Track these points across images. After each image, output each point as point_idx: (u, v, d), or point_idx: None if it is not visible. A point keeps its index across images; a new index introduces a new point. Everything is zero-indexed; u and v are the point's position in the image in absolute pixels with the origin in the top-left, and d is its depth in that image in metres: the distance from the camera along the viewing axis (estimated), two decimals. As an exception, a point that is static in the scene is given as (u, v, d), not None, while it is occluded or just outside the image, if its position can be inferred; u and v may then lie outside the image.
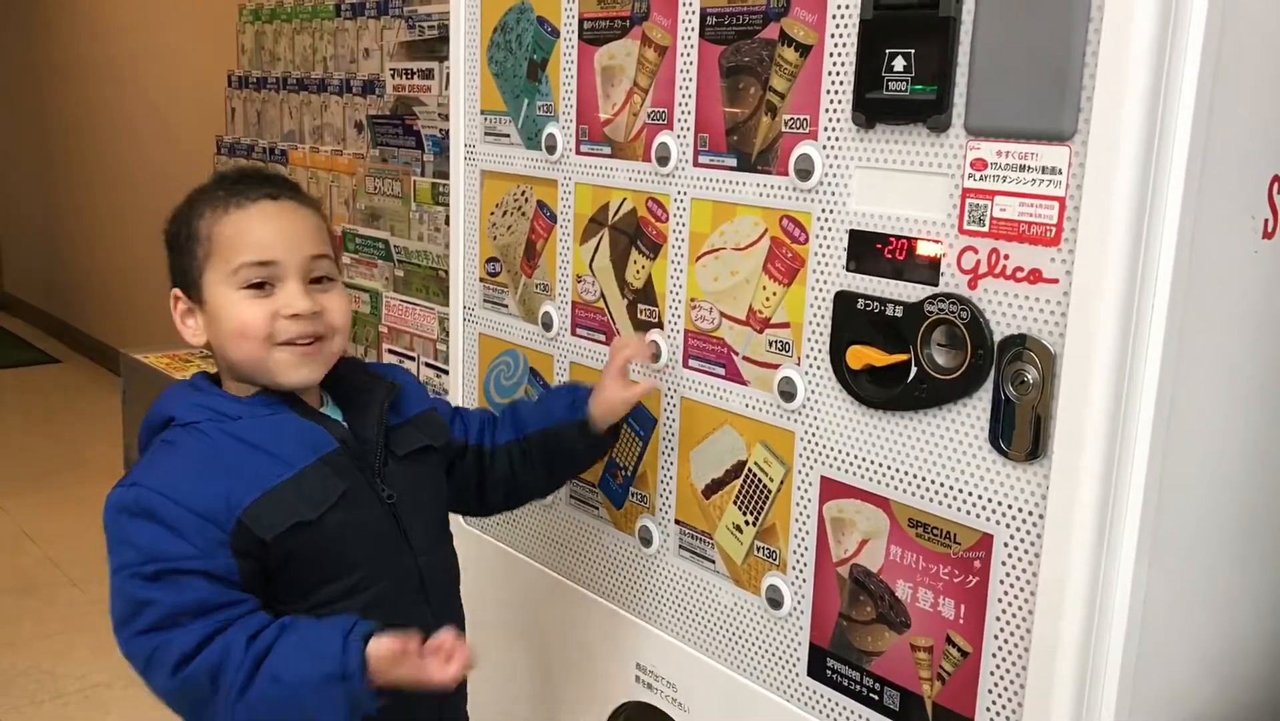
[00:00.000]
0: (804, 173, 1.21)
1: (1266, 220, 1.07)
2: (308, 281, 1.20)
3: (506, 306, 1.68)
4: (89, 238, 5.83)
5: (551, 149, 1.55)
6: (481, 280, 1.73)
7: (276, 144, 3.46)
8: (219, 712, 1.07)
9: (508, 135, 1.63)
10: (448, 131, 1.78)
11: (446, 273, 2.42)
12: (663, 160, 1.38)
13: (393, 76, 2.82)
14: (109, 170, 5.46)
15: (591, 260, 1.52)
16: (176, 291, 1.23)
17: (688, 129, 1.35)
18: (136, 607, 1.09)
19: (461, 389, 1.80)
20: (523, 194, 1.62)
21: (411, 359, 2.64)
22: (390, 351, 2.72)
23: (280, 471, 1.16)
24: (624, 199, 1.45)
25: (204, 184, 1.27)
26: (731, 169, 1.30)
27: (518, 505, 1.53)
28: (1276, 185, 1.07)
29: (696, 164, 1.35)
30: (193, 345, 1.24)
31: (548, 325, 1.60)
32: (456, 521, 1.57)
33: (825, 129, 1.19)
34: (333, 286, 1.23)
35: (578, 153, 1.52)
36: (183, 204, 1.25)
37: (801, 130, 1.22)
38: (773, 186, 1.26)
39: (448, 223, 2.13)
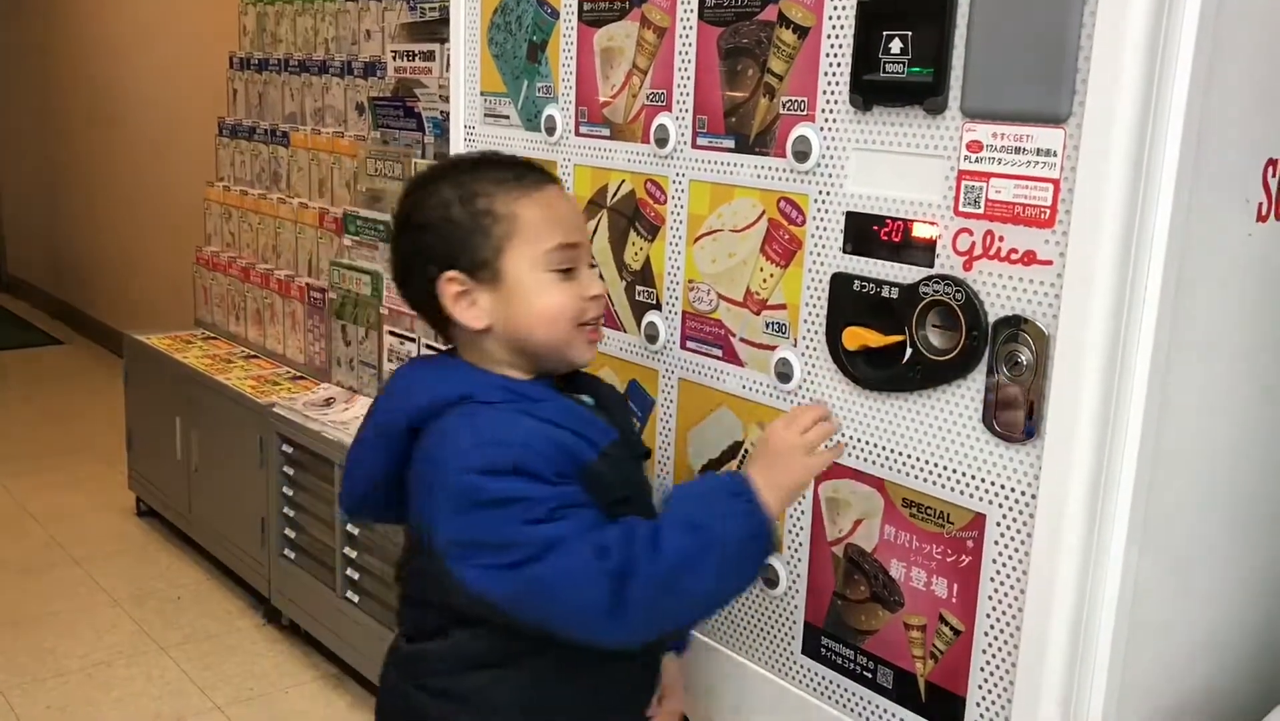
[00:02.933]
0: (801, 154, 1.22)
1: (1261, 203, 1.07)
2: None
3: (506, 288, 1.69)
4: (92, 220, 5.83)
5: (551, 130, 1.56)
6: (481, 261, 1.73)
7: (278, 125, 3.46)
8: (638, 579, 1.04)
9: (507, 116, 1.64)
10: (448, 113, 1.78)
11: (447, 254, 2.41)
12: (661, 142, 1.39)
13: (394, 58, 2.82)
14: (112, 152, 5.46)
15: (590, 241, 1.52)
16: (452, 274, 1.15)
17: (686, 110, 1.36)
18: (543, 549, 1.06)
19: (461, 370, 1.80)
20: (522, 175, 1.63)
21: (412, 340, 2.65)
22: (391, 333, 2.73)
23: (590, 451, 1.14)
24: (622, 180, 1.46)
25: (445, 166, 1.22)
26: (730, 150, 1.31)
27: None
28: (1271, 169, 1.07)
29: (695, 145, 1.35)
30: (473, 328, 1.17)
31: (547, 306, 1.61)
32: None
33: (823, 111, 1.20)
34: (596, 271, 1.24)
35: (577, 134, 1.52)
36: (438, 185, 1.18)
37: (799, 112, 1.22)
38: (770, 168, 1.26)
39: (448, 204, 2.13)
